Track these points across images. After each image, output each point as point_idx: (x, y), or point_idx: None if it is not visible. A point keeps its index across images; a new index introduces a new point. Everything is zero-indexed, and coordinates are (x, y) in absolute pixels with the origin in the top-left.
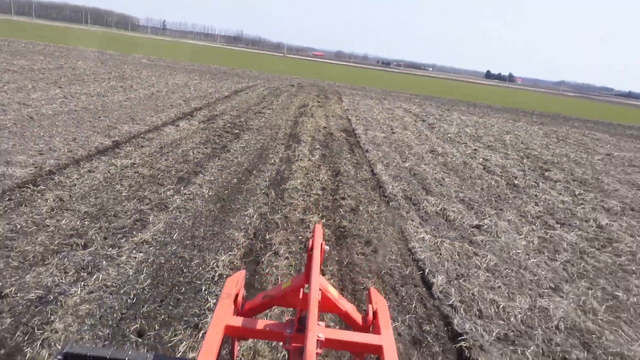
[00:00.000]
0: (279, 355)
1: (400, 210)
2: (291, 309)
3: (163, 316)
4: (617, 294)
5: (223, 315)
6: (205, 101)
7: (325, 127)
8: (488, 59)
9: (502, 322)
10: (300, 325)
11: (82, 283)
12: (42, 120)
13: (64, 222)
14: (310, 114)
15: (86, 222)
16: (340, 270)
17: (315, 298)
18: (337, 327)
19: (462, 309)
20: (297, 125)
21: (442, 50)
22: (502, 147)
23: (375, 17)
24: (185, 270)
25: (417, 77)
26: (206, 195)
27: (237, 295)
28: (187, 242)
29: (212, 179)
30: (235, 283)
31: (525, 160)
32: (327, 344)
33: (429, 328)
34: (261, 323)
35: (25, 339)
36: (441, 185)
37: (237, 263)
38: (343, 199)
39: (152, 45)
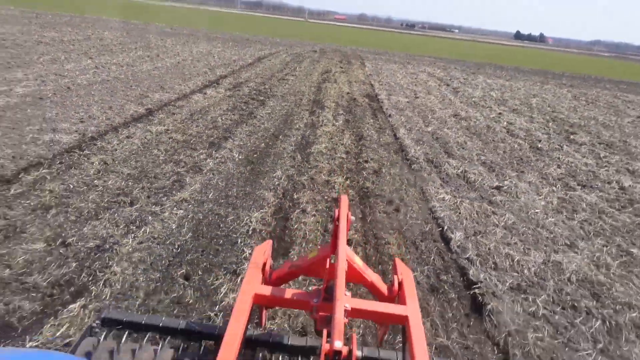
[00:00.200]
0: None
1: (421, 172)
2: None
3: (205, 263)
4: (632, 250)
5: (251, 284)
6: (230, 69)
7: (348, 93)
8: (518, 19)
9: (516, 274)
10: (327, 295)
11: (132, 235)
12: (78, 90)
13: (110, 182)
14: (333, 80)
15: (130, 183)
16: (363, 227)
17: (342, 268)
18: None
19: (477, 262)
20: (321, 91)
21: (469, 11)
22: (528, 110)
23: None
24: (221, 225)
25: (443, 40)
26: (236, 159)
27: (264, 265)
28: (222, 200)
29: (241, 143)
30: (263, 253)
31: (550, 124)
32: (353, 314)
33: (445, 278)
34: (288, 292)
35: (90, 279)
36: (463, 148)
37: (268, 219)
38: (366, 162)
39: (171, 13)
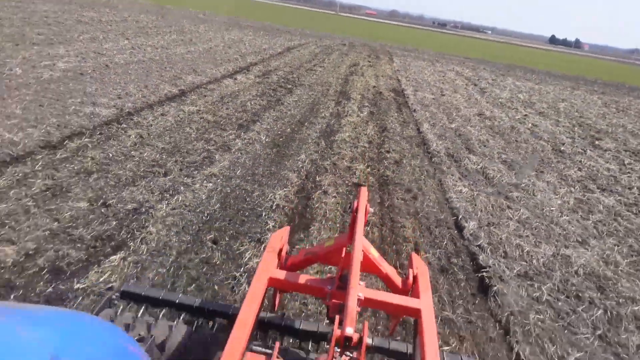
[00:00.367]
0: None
1: (441, 165)
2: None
3: (231, 231)
4: None
5: (267, 268)
6: (260, 57)
7: (374, 87)
8: (554, 23)
9: (525, 263)
10: (341, 283)
11: (166, 202)
12: (116, 68)
13: (145, 154)
14: (360, 73)
15: (164, 156)
16: (380, 210)
17: (357, 258)
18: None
19: (488, 250)
20: (347, 83)
21: (503, 13)
22: (555, 114)
23: None
24: (247, 199)
25: (474, 40)
26: (263, 141)
27: (280, 250)
28: (249, 177)
29: (268, 127)
30: (280, 238)
31: (576, 128)
32: (366, 303)
33: (456, 261)
34: (303, 277)
35: (128, 236)
36: (485, 146)
37: (291, 197)
38: (388, 152)
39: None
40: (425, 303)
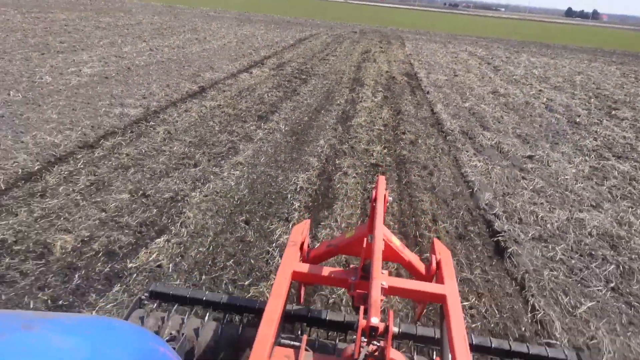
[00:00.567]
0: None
1: (456, 143)
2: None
3: (261, 212)
4: None
5: (290, 262)
6: (273, 50)
7: (387, 72)
8: None
9: (539, 227)
10: (364, 273)
11: (199, 190)
12: (137, 70)
13: (175, 148)
14: (372, 60)
15: (192, 149)
16: (399, 187)
17: (379, 247)
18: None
19: (503, 217)
20: (360, 70)
21: None
22: (570, 87)
23: None
24: (273, 184)
25: (487, 19)
26: (283, 130)
27: (302, 244)
28: (272, 164)
29: (287, 117)
30: (301, 232)
31: (592, 100)
32: (390, 292)
33: (472, 228)
34: (326, 270)
35: (169, 221)
36: (499, 122)
37: (313, 179)
38: (403, 133)
39: None
40: (450, 288)
